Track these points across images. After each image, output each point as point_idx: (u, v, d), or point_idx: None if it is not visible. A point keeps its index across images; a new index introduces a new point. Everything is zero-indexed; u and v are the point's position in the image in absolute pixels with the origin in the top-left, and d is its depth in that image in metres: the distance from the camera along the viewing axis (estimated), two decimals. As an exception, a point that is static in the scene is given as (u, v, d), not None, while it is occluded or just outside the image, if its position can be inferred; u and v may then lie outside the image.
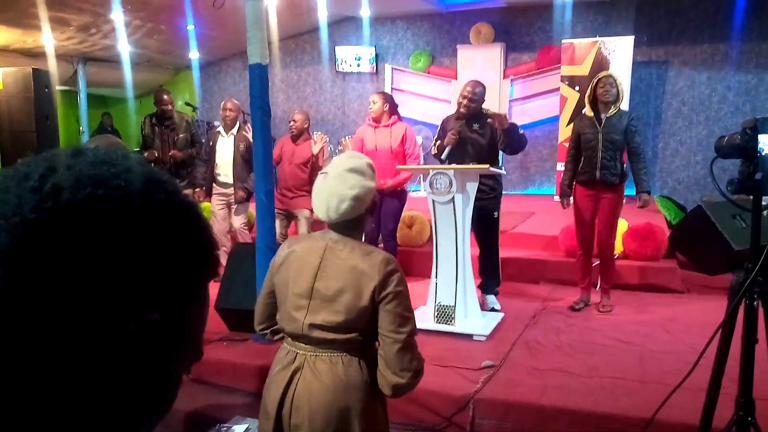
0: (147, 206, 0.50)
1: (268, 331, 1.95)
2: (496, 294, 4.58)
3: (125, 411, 0.51)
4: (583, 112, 4.54)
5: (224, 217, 5.53)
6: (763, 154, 1.74)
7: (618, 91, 4.35)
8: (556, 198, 7.05)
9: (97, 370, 0.48)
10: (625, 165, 4.48)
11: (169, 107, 5.78)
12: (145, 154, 5.68)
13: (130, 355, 0.49)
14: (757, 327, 1.82)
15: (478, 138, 4.30)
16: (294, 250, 1.83)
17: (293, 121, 5.29)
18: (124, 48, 8.74)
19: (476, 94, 4.32)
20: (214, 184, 5.50)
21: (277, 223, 5.33)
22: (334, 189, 1.75)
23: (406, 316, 1.71)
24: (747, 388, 1.85)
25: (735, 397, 1.93)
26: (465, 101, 4.31)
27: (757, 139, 1.74)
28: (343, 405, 1.68)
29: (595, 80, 4.40)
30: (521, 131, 4.29)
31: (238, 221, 5.49)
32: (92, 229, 0.47)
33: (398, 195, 4.91)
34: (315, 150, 5.17)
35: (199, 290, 0.57)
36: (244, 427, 2.73)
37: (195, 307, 0.57)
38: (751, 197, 1.86)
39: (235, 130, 5.44)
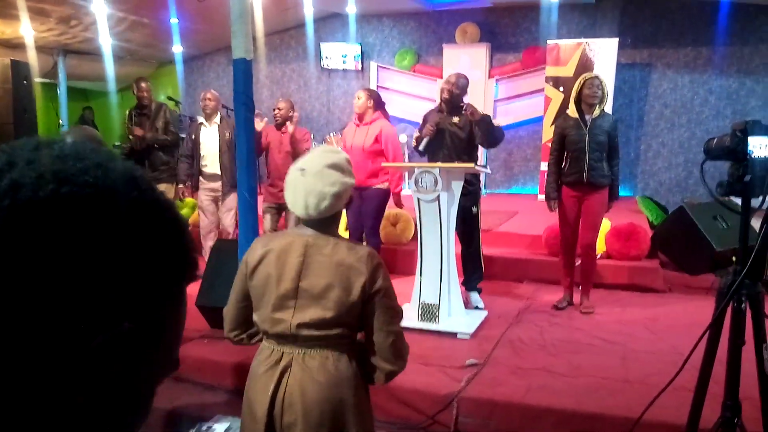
0: (119, 205, 0.46)
1: (244, 336, 1.90)
2: (479, 291, 4.58)
3: (94, 424, 0.47)
4: (567, 112, 4.53)
5: (213, 212, 5.44)
6: (752, 156, 1.74)
7: (603, 92, 4.36)
8: (540, 197, 7.08)
9: (62, 382, 0.44)
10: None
11: (145, 94, 5.68)
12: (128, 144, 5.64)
13: (99, 367, 0.45)
14: (745, 329, 1.82)
15: (456, 131, 4.33)
16: (270, 250, 1.78)
17: (278, 109, 5.21)
18: (106, 41, 8.59)
19: (459, 83, 4.38)
20: (201, 178, 5.39)
21: (267, 218, 5.25)
22: (312, 186, 1.71)
23: (396, 308, 1.78)
24: (734, 390, 1.85)
25: (720, 397, 1.93)
26: (448, 86, 4.37)
27: (747, 142, 1.74)
28: (336, 399, 1.70)
29: (582, 81, 4.38)
30: (498, 125, 4.37)
31: (229, 222, 5.36)
32: (56, 230, 0.42)
33: (379, 193, 4.83)
34: (291, 129, 5.02)
35: (176, 296, 0.53)
36: (225, 426, 2.69)
37: (171, 314, 0.52)
38: (739, 199, 1.86)
39: (217, 119, 5.35)
